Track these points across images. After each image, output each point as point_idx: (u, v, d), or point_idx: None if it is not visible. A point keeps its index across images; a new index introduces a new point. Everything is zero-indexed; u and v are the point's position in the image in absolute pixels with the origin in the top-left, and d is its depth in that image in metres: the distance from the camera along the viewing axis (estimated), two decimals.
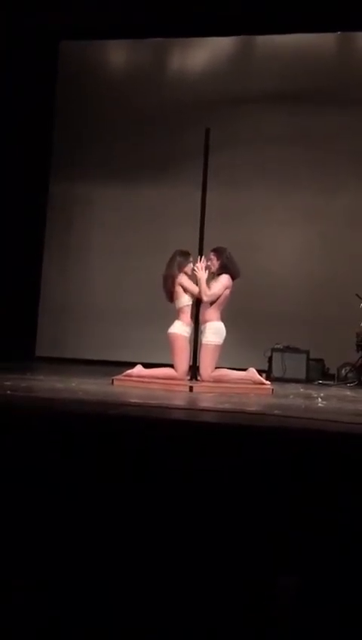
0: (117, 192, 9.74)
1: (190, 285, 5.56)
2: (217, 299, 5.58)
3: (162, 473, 2.68)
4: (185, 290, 5.56)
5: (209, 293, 5.54)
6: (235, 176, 9.01)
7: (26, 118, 9.27)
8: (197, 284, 5.58)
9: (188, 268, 5.64)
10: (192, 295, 5.56)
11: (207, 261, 5.65)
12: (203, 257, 5.62)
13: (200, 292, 5.54)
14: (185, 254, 5.67)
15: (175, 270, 5.60)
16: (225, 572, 2.50)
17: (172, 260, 5.67)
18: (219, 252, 5.69)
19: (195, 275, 5.62)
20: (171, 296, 5.64)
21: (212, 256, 5.69)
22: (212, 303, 5.58)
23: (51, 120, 9.90)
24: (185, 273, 5.61)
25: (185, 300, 5.58)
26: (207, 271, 5.62)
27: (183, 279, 5.57)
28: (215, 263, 5.67)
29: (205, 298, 5.54)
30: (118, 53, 10.10)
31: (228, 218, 8.71)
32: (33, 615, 2.57)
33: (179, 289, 5.57)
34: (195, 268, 5.58)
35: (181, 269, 5.60)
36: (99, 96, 9.84)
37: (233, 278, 5.67)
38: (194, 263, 5.64)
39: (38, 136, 9.66)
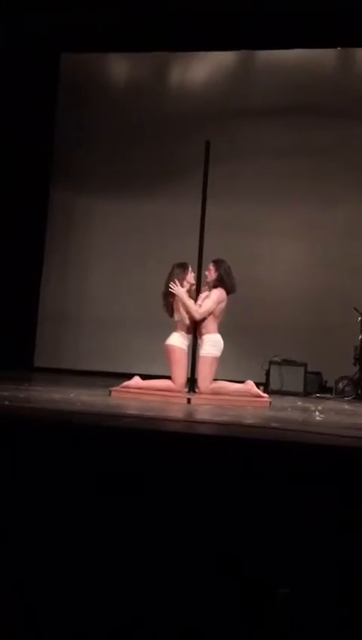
0: (117, 202, 9.77)
1: (186, 300, 5.55)
2: (211, 312, 5.57)
3: (159, 485, 2.68)
4: (182, 305, 5.55)
5: (201, 311, 5.54)
6: (235, 188, 9.05)
7: (27, 128, 9.32)
8: (193, 297, 5.59)
9: (189, 277, 5.63)
10: (187, 312, 5.55)
11: (205, 271, 5.66)
12: (188, 272, 5.60)
13: (191, 311, 5.53)
14: (183, 266, 5.67)
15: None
16: (223, 582, 2.50)
17: (170, 273, 5.67)
18: (217, 264, 5.70)
19: (191, 289, 5.64)
20: (171, 310, 5.63)
21: (211, 267, 5.70)
22: (208, 315, 5.58)
23: (52, 130, 9.96)
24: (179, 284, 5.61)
25: (183, 312, 5.58)
26: (191, 287, 5.61)
27: (182, 292, 5.56)
28: (212, 275, 5.67)
29: (197, 316, 5.53)
30: (119, 66, 10.16)
31: (227, 229, 8.73)
32: (33, 619, 2.57)
33: (176, 301, 5.57)
34: (170, 286, 5.57)
35: (180, 281, 5.60)
36: (100, 108, 9.90)
37: (227, 292, 5.66)
38: (194, 272, 5.65)
39: (39, 146, 9.71)
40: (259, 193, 9.21)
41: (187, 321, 5.57)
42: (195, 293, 5.68)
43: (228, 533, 2.55)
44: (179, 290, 5.53)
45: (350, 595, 2.38)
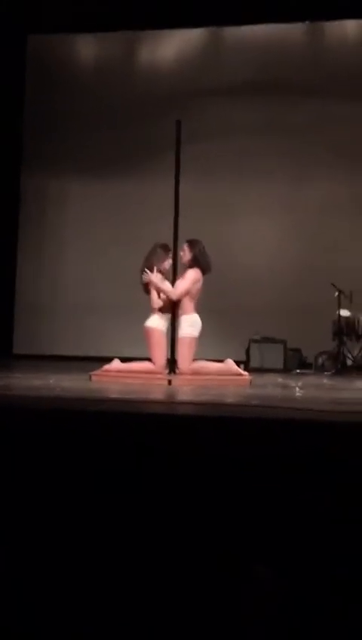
0: (89, 186, 9.69)
1: (161, 284, 5.55)
2: (188, 293, 5.57)
3: (143, 467, 2.69)
4: (156, 289, 5.55)
5: (176, 292, 5.53)
6: (209, 168, 9.02)
7: None
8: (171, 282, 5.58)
9: (167, 263, 5.63)
10: (164, 293, 5.55)
11: (180, 252, 5.65)
12: (169, 255, 5.60)
13: (167, 293, 5.53)
14: (165, 248, 5.65)
15: (153, 263, 5.59)
16: (205, 562, 2.51)
17: (151, 253, 5.66)
18: (192, 245, 5.69)
19: (167, 272, 5.63)
20: (148, 289, 5.63)
21: (185, 247, 5.68)
22: (185, 296, 5.58)
23: (21, 115, 9.82)
24: (160, 272, 5.60)
25: (158, 294, 5.57)
26: (163, 273, 5.61)
27: (156, 278, 5.55)
28: (187, 255, 5.66)
29: (173, 297, 5.53)
30: (87, 47, 10.03)
31: (202, 210, 8.71)
32: (32, 621, 2.57)
33: (151, 286, 5.57)
34: (143, 276, 5.57)
35: (160, 263, 5.59)
36: (69, 90, 9.78)
37: (203, 272, 5.65)
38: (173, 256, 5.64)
39: (8, 131, 9.57)
40: (233, 172, 9.19)
41: (161, 303, 5.56)
42: (172, 275, 5.65)
43: (214, 515, 2.57)
44: (152, 277, 5.52)
45: (341, 584, 2.40)
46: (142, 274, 5.61)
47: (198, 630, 2.45)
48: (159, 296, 5.57)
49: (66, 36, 9.84)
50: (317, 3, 8.40)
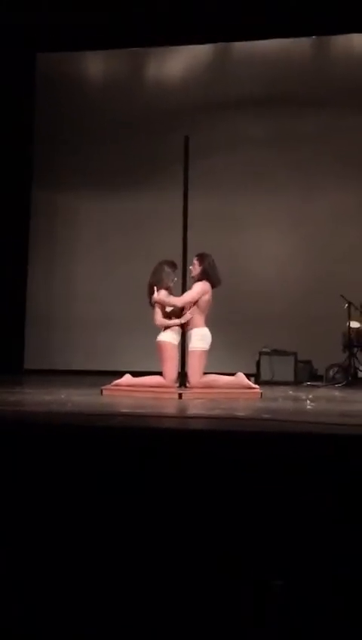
0: (99, 200, 9.75)
1: (166, 300, 5.56)
2: (193, 302, 5.57)
3: (154, 482, 2.69)
4: (163, 305, 5.57)
5: (182, 299, 5.55)
6: (217, 182, 9.07)
7: (5, 130, 9.28)
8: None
9: (173, 281, 5.65)
10: (170, 305, 5.56)
11: (189, 266, 5.67)
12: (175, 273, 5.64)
13: (172, 303, 5.56)
14: (172, 265, 5.68)
15: (160, 280, 5.61)
16: (217, 574, 2.51)
17: (158, 269, 5.68)
18: (201, 258, 5.71)
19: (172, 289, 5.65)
20: (153, 305, 5.65)
21: (195, 261, 5.70)
22: (192, 307, 5.58)
23: (31, 130, 9.91)
24: (167, 289, 5.62)
25: (166, 310, 5.59)
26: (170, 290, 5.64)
27: (160, 295, 5.57)
28: (196, 269, 5.68)
29: (178, 304, 5.55)
30: (95, 64, 10.13)
31: (211, 223, 8.75)
32: (30, 622, 2.57)
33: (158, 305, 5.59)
34: (153, 298, 5.58)
35: (168, 280, 5.61)
36: (79, 107, 9.87)
37: (213, 285, 5.67)
38: (178, 268, 5.65)
39: (19, 147, 9.66)
40: (242, 185, 9.23)
41: (166, 321, 5.57)
42: (181, 290, 5.65)
43: (225, 527, 2.56)
44: (158, 298, 5.55)
45: (344, 588, 2.40)
46: (149, 290, 5.63)
47: (199, 631, 2.44)
48: (165, 315, 5.58)
49: (75, 54, 9.95)
50: (324, 17, 8.45)
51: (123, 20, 8.49)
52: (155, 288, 5.59)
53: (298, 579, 2.41)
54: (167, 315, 5.59)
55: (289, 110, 9.25)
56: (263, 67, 9.34)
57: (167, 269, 5.65)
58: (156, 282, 5.61)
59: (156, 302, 5.57)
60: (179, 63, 9.79)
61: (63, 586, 2.60)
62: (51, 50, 9.71)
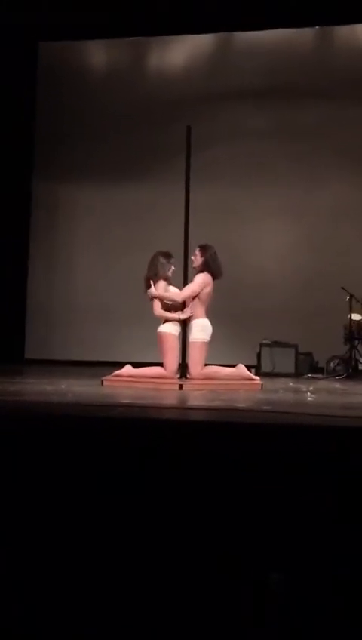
0: (100, 192, 9.73)
1: (165, 295, 5.55)
2: (194, 295, 5.56)
3: (154, 473, 2.69)
4: (162, 299, 5.56)
5: (182, 294, 5.53)
6: (219, 173, 9.04)
7: (6, 120, 9.25)
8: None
9: (170, 270, 5.63)
10: (169, 300, 5.55)
11: (191, 256, 5.65)
12: (171, 263, 5.60)
13: (172, 298, 5.54)
14: (167, 256, 5.66)
15: (156, 272, 5.59)
16: (217, 567, 2.51)
17: (153, 261, 5.66)
18: (204, 249, 5.69)
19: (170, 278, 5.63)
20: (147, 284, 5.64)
21: (197, 251, 5.68)
22: (194, 299, 5.57)
23: (32, 121, 9.88)
24: (165, 279, 5.60)
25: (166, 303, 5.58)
26: (167, 280, 5.61)
27: (159, 289, 5.55)
28: (198, 259, 5.66)
29: (179, 299, 5.53)
30: (97, 54, 10.08)
31: (213, 214, 8.73)
32: (30, 623, 2.58)
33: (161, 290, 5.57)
34: (149, 292, 5.56)
35: (164, 271, 5.59)
36: (80, 96, 9.83)
37: (214, 277, 5.65)
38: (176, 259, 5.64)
39: (20, 139, 9.63)
40: (243, 177, 9.20)
41: (165, 313, 5.56)
42: (182, 280, 5.63)
43: (225, 522, 2.56)
44: (153, 292, 5.53)
45: (343, 587, 2.40)
46: (146, 283, 5.60)
47: (199, 630, 2.45)
48: (164, 306, 5.56)
49: (77, 43, 9.90)
50: (326, 8, 8.40)
51: (125, 8, 8.45)
52: (152, 282, 5.57)
53: (298, 579, 2.41)
54: (166, 307, 5.58)
55: (291, 101, 9.21)
56: (265, 58, 9.29)
57: (161, 259, 5.63)
58: (152, 275, 5.59)
59: (154, 297, 5.55)
60: (181, 53, 9.74)
61: (63, 584, 2.60)
62: (53, 39, 9.66)
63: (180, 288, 5.60)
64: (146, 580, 2.55)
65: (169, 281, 5.64)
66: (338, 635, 2.37)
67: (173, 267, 5.63)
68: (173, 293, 5.57)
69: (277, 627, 2.36)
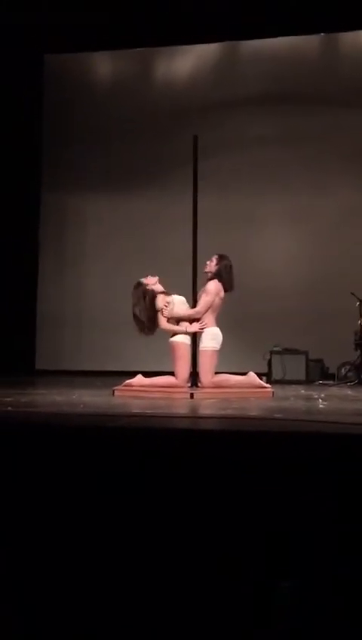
0: (108, 201, 9.77)
1: (185, 314, 5.54)
2: (211, 305, 5.56)
3: (167, 482, 2.68)
4: (180, 319, 5.54)
5: (200, 310, 5.52)
6: (226, 181, 9.05)
7: (14, 132, 9.31)
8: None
9: (156, 285, 5.62)
10: (189, 319, 5.54)
11: (207, 260, 5.65)
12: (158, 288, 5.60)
13: (188, 315, 5.53)
14: (139, 284, 5.65)
15: (152, 294, 5.57)
16: (227, 577, 2.51)
17: (137, 292, 5.64)
18: (221, 259, 5.68)
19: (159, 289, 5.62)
20: (152, 327, 5.61)
21: (214, 258, 5.68)
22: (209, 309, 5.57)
23: (40, 132, 9.94)
24: (161, 293, 5.60)
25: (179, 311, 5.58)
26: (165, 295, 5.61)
27: (173, 311, 5.53)
28: (213, 266, 5.66)
29: (199, 316, 5.52)
30: (102, 64, 10.15)
31: (221, 222, 8.74)
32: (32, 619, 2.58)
33: (163, 309, 5.55)
34: (162, 311, 5.53)
35: (153, 290, 5.57)
36: (87, 108, 9.89)
37: (224, 289, 5.65)
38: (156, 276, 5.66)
39: (28, 149, 9.70)
40: (250, 184, 9.21)
41: (171, 325, 5.55)
42: (192, 288, 5.62)
43: (235, 525, 2.55)
44: (164, 325, 5.53)
45: (344, 588, 2.38)
46: (150, 322, 5.57)
47: (199, 632, 2.44)
48: (168, 320, 5.55)
49: (82, 55, 9.96)
50: (332, 14, 8.42)
51: (130, 19, 8.50)
52: (158, 316, 5.52)
53: (298, 578, 2.40)
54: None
55: (297, 108, 9.22)
56: (270, 65, 9.32)
57: (143, 286, 5.62)
58: (141, 308, 5.58)
59: (170, 316, 5.51)
60: (187, 62, 9.78)
61: (63, 586, 2.60)
62: (58, 51, 9.73)
63: (189, 296, 5.59)
64: (147, 580, 2.54)
65: (165, 293, 5.61)
66: (338, 635, 2.35)
67: (153, 279, 5.62)
68: (191, 311, 5.53)
69: (278, 628, 2.35)
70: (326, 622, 2.34)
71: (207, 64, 9.68)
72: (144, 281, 5.69)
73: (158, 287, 5.65)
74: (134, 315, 5.65)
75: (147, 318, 5.60)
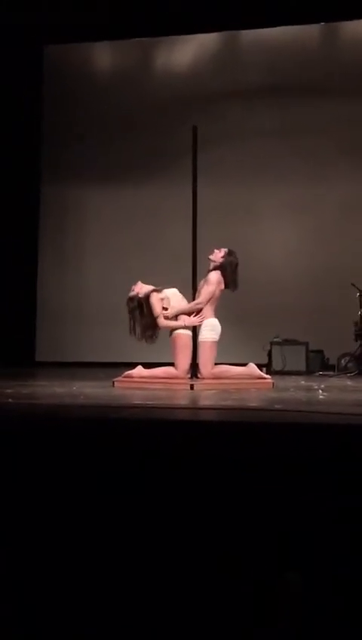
0: (108, 193, 9.75)
1: (189, 307, 5.54)
2: (213, 295, 5.56)
3: (167, 473, 2.69)
4: (183, 313, 5.54)
5: (203, 300, 5.52)
6: (226, 172, 9.03)
7: (13, 123, 9.28)
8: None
9: (143, 290, 5.62)
10: (193, 311, 5.54)
11: (216, 248, 5.64)
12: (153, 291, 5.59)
13: (191, 308, 5.53)
14: (132, 298, 5.65)
15: (147, 296, 5.57)
16: (230, 570, 2.51)
17: (131, 302, 5.65)
18: (229, 254, 5.66)
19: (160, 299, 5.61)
20: (155, 328, 5.60)
21: (223, 250, 5.65)
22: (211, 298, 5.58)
23: (39, 125, 9.90)
24: (155, 291, 5.59)
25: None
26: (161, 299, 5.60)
27: (174, 308, 5.53)
28: (218, 257, 5.64)
29: (202, 306, 5.52)
30: (102, 55, 10.10)
31: (220, 214, 8.72)
32: (32, 619, 2.58)
33: (161, 307, 5.54)
34: (167, 326, 5.53)
35: (147, 292, 5.57)
36: (87, 98, 9.85)
37: (227, 286, 5.64)
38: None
39: (27, 141, 9.67)
40: (251, 175, 9.19)
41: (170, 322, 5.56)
42: (192, 282, 5.61)
43: (236, 517, 2.56)
44: (171, 323, 5.52)
45: (344, 588, 2.39)
46: (153, 327, 5.57)
47: (199, 631, 2.45)
48: (166, 317, 5.55)
49: (82, 45, 9.92)
50: (331, 4, 8.38)
51: (130, 9, 8.45)
52: (158, 321, 5.53)
53: (311, 578, 2.41)
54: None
55: (298, 99, 9.18)
56: (271, 55, 9.28)
57: (135, 301, 5.62)
58: (138, 320, 5.60)
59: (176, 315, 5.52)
60: (187, 52, 9.73)
61: (63, 585, 2.61)
62: (58, 41, 9.68)
63: (188, 288, 5.58)
64: (148, 580, 2.55)
65: (155, 290, 5.60)
66: (338, 635, 2.36)
67: (137, 286, 5.65)
68: (192, 305, 5.54)
69: (278, 629, 2.36)
70: (326, 622, 2.35)
71: (207, 54, 9.63)
72: (133, 292, 5.67)
73: (146, 288, 5.62)
74: (134, 332, 5.65)
75: (149, 326, 5.58)
